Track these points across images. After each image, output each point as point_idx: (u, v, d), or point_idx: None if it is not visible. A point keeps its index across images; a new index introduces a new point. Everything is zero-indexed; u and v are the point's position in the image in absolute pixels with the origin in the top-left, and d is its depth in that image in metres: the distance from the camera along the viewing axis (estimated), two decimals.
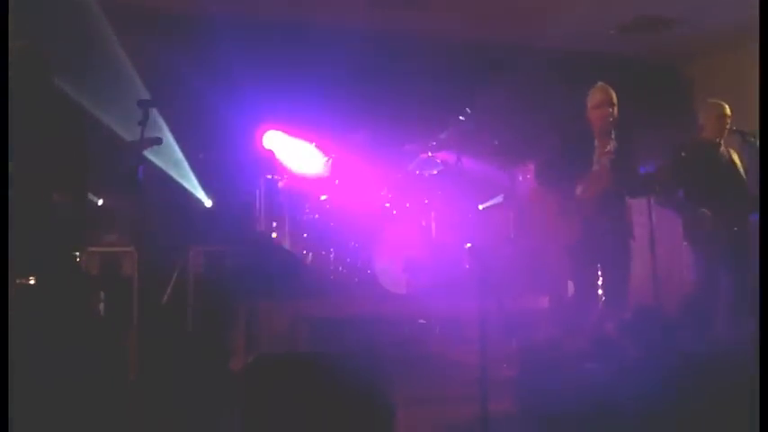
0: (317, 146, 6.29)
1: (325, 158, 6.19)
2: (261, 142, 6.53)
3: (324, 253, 5.77)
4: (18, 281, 4.82)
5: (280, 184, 6.18)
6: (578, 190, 4.34)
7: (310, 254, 5.85)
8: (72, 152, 3.73)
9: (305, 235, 5.93)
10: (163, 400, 3.89)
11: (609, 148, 4.48)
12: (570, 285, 4.62)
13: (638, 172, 4.50)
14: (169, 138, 6.45)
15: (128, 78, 6.10)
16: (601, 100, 4.45)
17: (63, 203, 3.90)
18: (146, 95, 5.87)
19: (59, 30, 5.81)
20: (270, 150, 6.47)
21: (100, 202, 6.09)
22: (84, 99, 5.86)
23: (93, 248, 5.81)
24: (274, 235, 6.03)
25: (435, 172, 6.23)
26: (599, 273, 4.43)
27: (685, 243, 4.78)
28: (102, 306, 5.46)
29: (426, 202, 5.91)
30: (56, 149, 3.68)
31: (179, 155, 6.56)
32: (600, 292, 4.44)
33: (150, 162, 6.01)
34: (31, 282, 5.07)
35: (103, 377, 3.83)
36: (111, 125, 5.95)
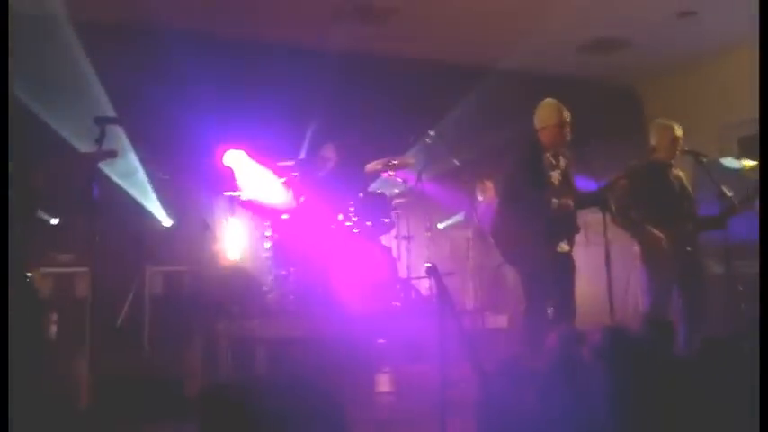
0: (277, 167, 6.25)
1: (285, 179, 6.15)
2: (221, 160, 6.48)
3: (284, 273, 5.73)
4: None
5: (239, 203, 6.12)
6: (555, 201, 4.36)
7: (270, 274, 5.80)
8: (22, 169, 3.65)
9: (265, 254, 5.88)
10: (115, 427, 3.79)
11: (560, 164, 4.55)
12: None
13: (584, 190, 4.58)
14: (128, 155, 6.37)
15: (86, 94, 6.00)
16: (556, 120, 4.50)
17: (14, 222, 3.80)
18: (104, 112, 5.78)
19: (16, 42, 5.71)
20: (229, 168, 6.41)
21: (54, 220, 5.95)
22: (40, 113, 5.77)
23: (47, 269, 5.68)
24: (234, 255, 5.96)
25: (396, 191, 6.25)
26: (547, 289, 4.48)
27: (639, 262, 4.84)
28: (54, 328, 5.33)
29: (387, 221, 5.91)
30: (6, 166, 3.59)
31: (138, 172, 6.48)
32: (549, 309, 4.47)
33: (107, 179, 5.93)
34: None
35: (54, 402, 3.73)
36: (66, 141, 5.84)
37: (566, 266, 4.46)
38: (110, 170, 6.18)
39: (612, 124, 7.99)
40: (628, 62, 8.18)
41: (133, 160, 6.45)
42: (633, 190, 4.52)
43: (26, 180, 3.67)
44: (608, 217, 4.52)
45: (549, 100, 4.62)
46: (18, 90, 5.78)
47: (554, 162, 4.54)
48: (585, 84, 8.24)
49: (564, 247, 4.44)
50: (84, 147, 3.87)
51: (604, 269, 4.39)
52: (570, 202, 4.38)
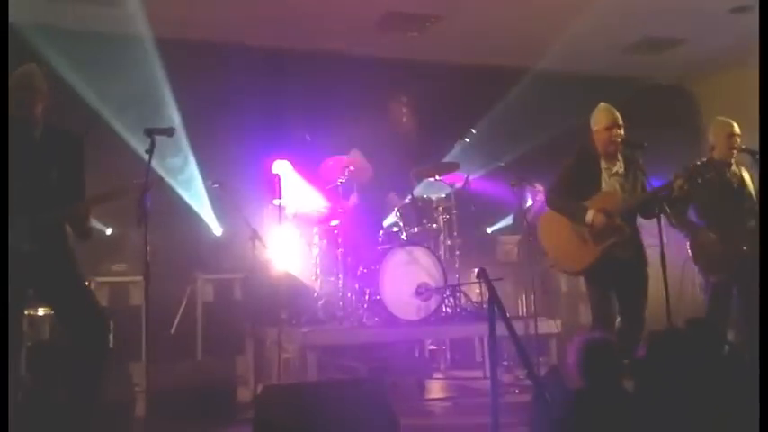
0: (322, 174, 6.28)
1: (333, 185, 6.18)
2: (269, 169, 6.56)
3: (332, 279, 5.75)
4: (28, 312, 4.85)
5: (288, 211, 6.17)
6: (589, 214, 4.30)
7: (319, 280, 5.82)
8: (77, 185, 3.74)
9: (313, 261, 5.91)
10: None
11: (616, 168, 4.47)
12: (582, 310, 4.56)
13: (647, 192, 4.47)
14: (189, 163, 6.55)
15: (139, 106, 6.15)
16: (606, 121, 4.44)
17: (73, 234, 3.90)
18: (154, 124, 5.92)
19: (67, 58, 5.90)
20: (278, 176, 6.48)
21: (108, 231, 6.11)
22: (93, 127, 5.93)
23: (102, 278, 5.82)
24: (283, 262, 6.00)
25: (443, 195, 6.21)
26: (614, 298, 4.38)
27: (695, 265, 4.74)
28: (110, 336, 5.44)
29: (434, 226, 5.88)
30: (61, 182, 3.69)
31: (196, 181, 6.63)
32: (618, 319, 4.38)
33: (162, 187, 6.07)
34: (41, 313, 5.09)
35: (113, 409, 3.81)
36: (119, 152, 5.99)
37: (628, 274, 4.37)
38: (171, 178, 6.37)
39: (667, 124, 7.83)
40: (680, 61, 8.00)
41: (193, 169, 6.60)
42: (690, 190, 4.41)
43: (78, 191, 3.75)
44: (663, 218, 4.43)
45: (602, 104, 4.57)
46: (90, 98, 6.00)
47: (609, 168, 4.46)
48: (638, 84, 8.09)
49: (621, 254, 4.35)
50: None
51: (660, 271, 4.29)
52: (603, 218, 4.28)
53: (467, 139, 6.25)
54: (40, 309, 5.06)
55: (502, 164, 6.02)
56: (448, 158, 6.56)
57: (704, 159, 4.72)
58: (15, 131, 3.51)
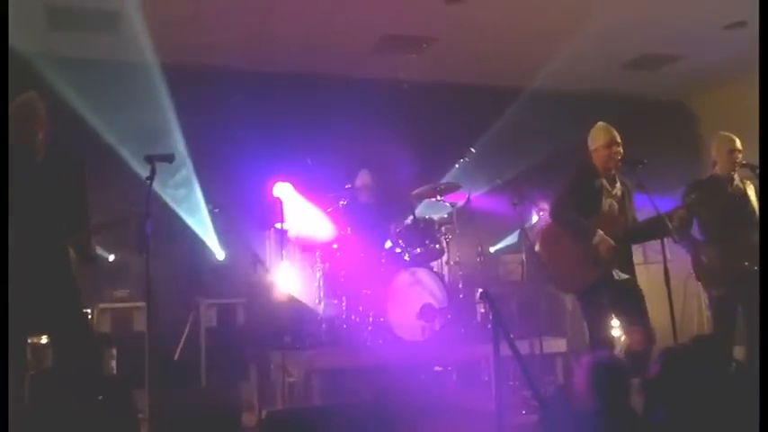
0: (322, 197, 6.30)
1: (332, 209, 6.18)
2: (270, 193, 6.57)
3: (336, 302, 5.73)
4: (31, 340, 4.83)
5: (289, 234, 6.17)
6: (597, 236, 4.29)
7: (322, 304, 5.80)
8: (80, 209, 3.75)
9: (316, 284, 5.90)
10: None
11: (615, 191, 4.46)
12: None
13: (636, 218, 4.49)
14: (195, 189, 6.58)
15: (138, 133, 6.18)
16: (605, 139, 4.44)
17: (75, 260, 3.91)
18: (155, 150, 5.98)
19: (68, 85, 5.95)
20: (279, 200, 6.49)
21: (111, 257, 6.10)
22: (92, 153, 5.95)
23: (105, 305, 5.81)
24: (285, 286, 5.99)
25: (445, 215, 6.21)
26: (611, 319, 4.37)
27: (698, 281, 4.73)
28: (113, 363, 5.42)
29: (437, 247, 5.87)
30: (64, 207, 3.70)
31: (192, 207, 6.64)
32: (619, 336, 4.36)
33: (161, 216, 6.09)
34: (43, 341, 5.07)
35: None
36: (121, 179, 6.01)
37: (627, 294, 4.35)
38: (172, 203, 6.39)
39: (667, 140, 7.85)
40: (678, 77, 8.03)
41: (195, 194, 6.63)
42: (693, 205, 4.40)
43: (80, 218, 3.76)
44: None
45: (600, 122, 4.57)
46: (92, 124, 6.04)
47: (609, 188, 4.46)
48: (635, 101, 8.12)
49: (621, 274, 4.33)
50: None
51: (664, 288, 4.28)
52: (611, 243, 4.27)
53: (466, 159, 6.26)
54: (42, 336, 5.04)
55: (499, 181, 6.02)
56: (448, 178, 6.56)
57: (707, 175, 4.72)
58: (17, 158, 3.53)
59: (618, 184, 4.49)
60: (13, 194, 3.46)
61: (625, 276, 4.34)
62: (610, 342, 4.30)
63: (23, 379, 4.04)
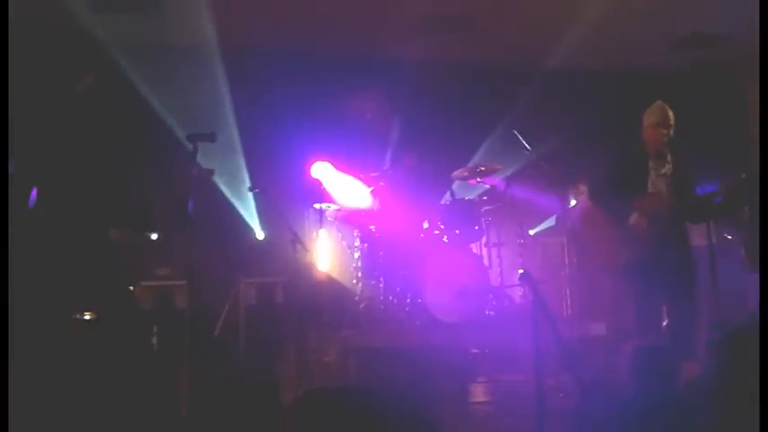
0: (363, 176, 6.29)
1: (372, 188, 6.17)
2: (309, 173, 6.59)
3: (374, 282, 5.73)
4: (75, 316, 4.94)
5: (328, 214, 6.19)
6: (633, 217, 4.21)
7: (360, 284, 5.81)
8: (129, 188, 3.80)
9: (354, 265, 5.90)
10: None
11: (665, 170, 4.36)
12: (629, 312, 4.46)
13: (695, 195, 4.35)
14: (229, 169, 6.63)
15: (181, 113, 6.24)
16: (658, 120, 4.34)
17: (121, 239, 3.97)
18: (197, 129, 6.06)
19: (112, 66, 6.02)
20: (317, 180, 6.52)
21: (153, 236, 6.19)
22: (138, 133, 6.03)
23: (147, 282, 5.91)
24: (324, 265, 6.02)
25: (485, 197, 6.15)
26: (659, 300, 4.28)
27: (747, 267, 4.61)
28: (155, 339, 5.51)
29: (476, 228, 5.82)
30: (111, 185, 3.75)
31: (233, 186, 6.70)
32: (664, 321, 4.28)
33: (202, 194, 6.16)
34: (87, 317, 5.18)
35: (156, 412, 3.85)
36: (163, 159, 6.09)
37: (675, 274, 4.25)
38: (221, 182, 6.46)
39: (716, 122, 7.62)
40: (730, 55, 7.77)
41: (236, 174, 6.68)
42: (744, 188, 4.28)
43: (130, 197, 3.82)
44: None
45: (658, 101, 4.47)
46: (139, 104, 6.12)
47: (656, 168, 4.36)
48: (687, 81, 7.89)
49: (666, 255, 4.24)
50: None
51: (708, 273, 4.19)
52: (646, 223, 4.17)
53: (527, 151, 6.14)
54: (86, 313, 5.15)
55: (543, 164, 5.91)
56: (485, 155, 6.50)
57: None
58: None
59: (668, 164, 4.37)
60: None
61: (674, 255, 4.24)
62: (654, 324, 4.21)
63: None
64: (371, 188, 6.18)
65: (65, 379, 3.95)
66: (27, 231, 3.51)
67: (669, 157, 4.38)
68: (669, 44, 7.44)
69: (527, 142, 6.01)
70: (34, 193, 3.50)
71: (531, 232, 7.17)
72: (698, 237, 4.43)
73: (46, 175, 3.58)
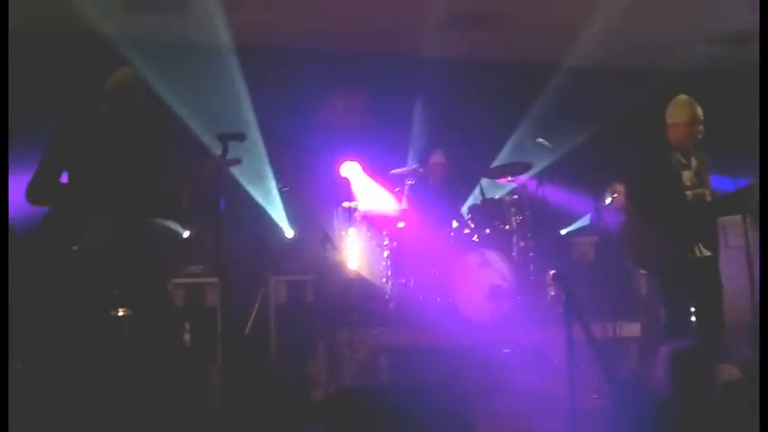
0: (391, 176, 6.29)
1: (400, 188, 6.17)
2: (338, 172, 6.61)
3: (403, 281, 5.72)
4: (110, 312, 5.00)
5: (357, 213, 6.19)
6: (666, 209, 4.15)
7: (390, 282, 5.80)
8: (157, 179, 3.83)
9: (384, 263, 5.90)
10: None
11: (692, 164, 4.30)
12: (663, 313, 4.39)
13: (726, 192, 4.29)
14: (265, 167, 6.67)
15: (210, 112, 6.28)
16: (688, 116, 4.26)
17: (160, 235, 4.01)
18: (227, 129, 6.12)
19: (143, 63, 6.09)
20: (346, 179, 6.53)
21: (186, 233, 6.26)
22: (168, 131, 6.10)
23: (178, 280, 5.97)
24: (353, 264, 6.02)
25: (516, 196, 6.10)
26: (689, 299, 4.22)
27: None
28: (187, 337, 5.57)
29: (507, 228, 5.78)
30: (141, 177, 3.79)
31: (263, 185, 6.74)
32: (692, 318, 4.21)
33: (233, 193, 6.21)
34: (121, 313, 5.25)
35: (189, 408, 3.89)
36: (193, 157, 6.14)
37: (707, 273, 4.18)
38: (246, 181, 6.50)
39: (750, 119, 7.48)
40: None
41: (265, 173, 6.72)
42: None
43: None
44: (749, 218, 4.24)
45: (682, 96, 4.38)
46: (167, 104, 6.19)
47: (684, 161, 4.29)
48: (718, 78, 7.75)
49: (704, 251, 4.17)
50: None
51: (746, 274, 4.11)
52: (707, 193, 4.11)
53: (540, 140, 6.10)
54: (120, 309, 5.22)
55: (550, 145, 5.82)
56: (517, 157, 6.45)
57: None
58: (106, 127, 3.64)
59: (693, 158, 4.31)
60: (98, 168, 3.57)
61: (708, 254, 4.17)
62: (686, 325, 4.15)
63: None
64: (398, 189, 6.17)
65: (97, 374, 4.01)
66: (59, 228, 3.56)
67: (691, 151, 4.31)
68: (698, 41, 7.32)
69: (553, 141, 5.97)
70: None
71: (563, 232, 7.10)
72: (735, 236, 4.35)
73: (79, 168, 3.61)
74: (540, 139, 6.04)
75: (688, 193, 4.25)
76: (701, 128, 4.28)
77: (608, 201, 6.40)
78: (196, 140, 6.22)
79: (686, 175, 4.30)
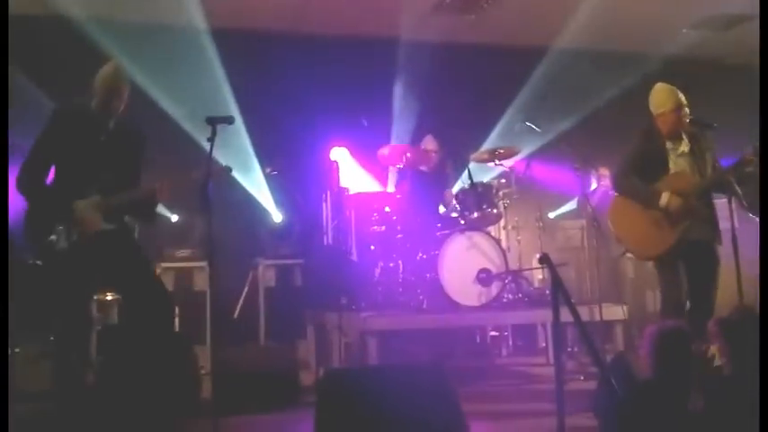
0: (380, 160, 6.29)
1: (389, 170, 6.17)
2: (327, 156, 6.60)
3: (392, 265, 5.74)
4: (97, 297, 5.01)
5: (345, 196, 6.19)
6: (664, 197, 4.17)
7: (378, 266, 5.82)
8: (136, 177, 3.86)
9: (372, 247, 5.91)
10: (235, 414, 3.92)
11: (682, 148, 4.32)
12: (650, 296, 4.43)
13: (719, 170, 4.31)
14: (248, 151, 6.64)
15: (199, 96, 6.24)
16: (672, 103, 4.28)
17: (138, 219, 4.02)
18: (215, 112, 6.09)
19: (123, 50, 6.03)
20: (335, 163, 6.52)
21: (174, 218, 6.25)
22: (155, 116, 6.06)
23: (167, 264, 5.96)
24: (342, 248, 6.03)
25: (503, 180, 6.12)
26: (685, 282, 4.25)
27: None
28: (176, 320, 5.57)
29: (495, 211, 5.80)
30: (128, 171, 3.80)
31: (255, 168, 6.73)
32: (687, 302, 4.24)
33: (220, 177, 6.18)
34: (109, 298, 5.25)
35: (179, 390, 3.90)
36: (182, 142, 6.12)
37: (703, 258, 4.22)
38: (233, 167, 6.46)
39: (735, 104, 7.52)
40: (749, 38, 7.65)
41: (252, 157, 6.70)
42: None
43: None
44: (735, 201, 4.26)
45: (661, 84, 4.40)
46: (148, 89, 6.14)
47: (675, 147, 4.32)
48: (703, 63, 7.79)
49: (695, 234, 4.20)
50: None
51: (731, 256, 4.14)
52: (679, 200, 4.14)
53: (528, 123, 6.11)
54: (108, 294, 5.21)
55: (567, 148, 5.85)
56: (505, 141, 6.47)
57: None
58: (94, 122, 3.64)
59: (685, 142, 4.33)
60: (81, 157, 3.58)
61: (699, 237, 4.21)
62: (680, 307, 4.18)
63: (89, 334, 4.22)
64: (388, 172, 6.17)
65: (87, 359, 4.02)
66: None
67: (684, 136, 4.33)
68: (688, 26, 7.33)
69: (540, 125, 5.98)
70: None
71: (551, 215, 7.13)
72: (721, 219, 4.38)
73: (62, 161, 3.63)
74: (528, 123, 6.06)
75: (676, 177, 4.26)
76: (686, 111, 4.30)
77: (594, 185, 6.46)
78: (177, 126, 6.20)
79: (676, 161, 4.32)
